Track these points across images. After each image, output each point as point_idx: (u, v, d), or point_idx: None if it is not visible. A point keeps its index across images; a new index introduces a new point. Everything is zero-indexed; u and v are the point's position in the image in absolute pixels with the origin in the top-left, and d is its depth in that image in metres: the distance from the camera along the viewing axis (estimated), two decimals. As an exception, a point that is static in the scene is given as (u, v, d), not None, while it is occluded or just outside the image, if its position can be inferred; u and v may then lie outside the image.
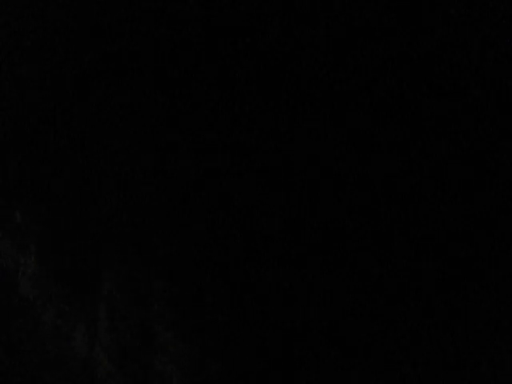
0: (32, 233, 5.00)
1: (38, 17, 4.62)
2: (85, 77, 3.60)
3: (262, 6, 1.95)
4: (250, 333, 2.07)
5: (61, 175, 4.14)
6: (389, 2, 1.50)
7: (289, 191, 1.87)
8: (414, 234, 1.47)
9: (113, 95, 3.23)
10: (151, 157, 2.75)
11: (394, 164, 1.50)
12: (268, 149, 1.97)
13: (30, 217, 5.12)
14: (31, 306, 5.18)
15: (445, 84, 1.40)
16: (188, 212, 2.45)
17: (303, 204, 1.80)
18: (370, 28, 1.60)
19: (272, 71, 1.94)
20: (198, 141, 2.35)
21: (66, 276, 4.08)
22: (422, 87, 1.44)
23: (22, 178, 5.41)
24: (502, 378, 1.44)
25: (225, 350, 2.23)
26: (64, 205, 4.09)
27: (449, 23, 1.42)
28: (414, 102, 1.45)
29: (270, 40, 1.92)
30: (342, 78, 1.64)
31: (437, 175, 1.42)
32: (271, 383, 1.98)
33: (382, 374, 1.60)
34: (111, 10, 3.16)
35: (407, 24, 1.48)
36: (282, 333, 1.90)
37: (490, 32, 1.49)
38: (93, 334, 3.51)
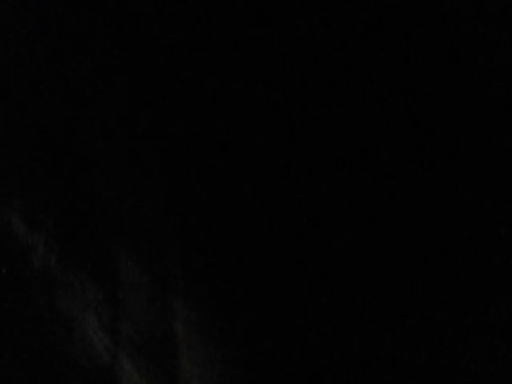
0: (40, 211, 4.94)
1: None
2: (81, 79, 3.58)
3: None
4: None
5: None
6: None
7: (288, 192, 1.86)
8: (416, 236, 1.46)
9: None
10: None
11: (395, 166, 1.49)
12: (266, 150, 1.96)
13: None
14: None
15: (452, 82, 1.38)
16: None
17: (302, 205, 1.79)
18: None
19: (269, 69, 1.93)
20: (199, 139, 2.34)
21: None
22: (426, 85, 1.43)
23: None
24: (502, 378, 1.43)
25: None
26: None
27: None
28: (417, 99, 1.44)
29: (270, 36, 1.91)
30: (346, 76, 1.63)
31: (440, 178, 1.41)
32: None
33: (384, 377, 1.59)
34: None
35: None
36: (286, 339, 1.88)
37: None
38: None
